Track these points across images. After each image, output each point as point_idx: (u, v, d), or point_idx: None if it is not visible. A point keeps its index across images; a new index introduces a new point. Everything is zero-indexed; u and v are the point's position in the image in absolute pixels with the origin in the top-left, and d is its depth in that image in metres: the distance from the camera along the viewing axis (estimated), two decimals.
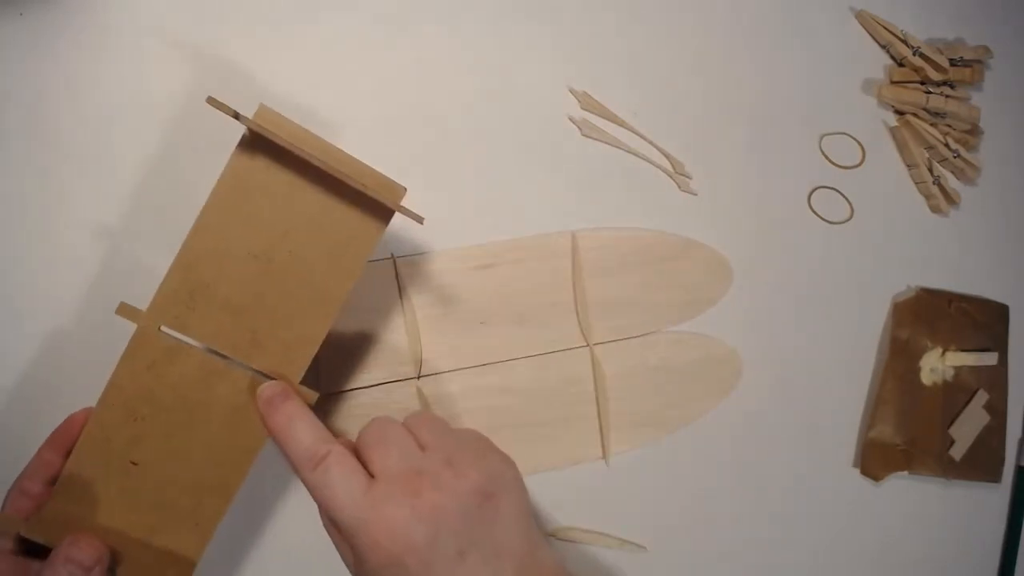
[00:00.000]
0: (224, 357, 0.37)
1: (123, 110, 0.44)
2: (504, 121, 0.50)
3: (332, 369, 0.45)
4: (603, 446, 0.49)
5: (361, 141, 0.41)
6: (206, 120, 0.38)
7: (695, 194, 0.53)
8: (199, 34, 0.45)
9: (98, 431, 0.36)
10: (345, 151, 0.37)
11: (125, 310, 0.35)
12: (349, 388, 0.45)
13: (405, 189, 0.37)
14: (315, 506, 0.35)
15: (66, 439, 0.36)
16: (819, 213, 0.56)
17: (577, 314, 0.49)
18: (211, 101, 0.33)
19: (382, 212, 0.37)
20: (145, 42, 0.44)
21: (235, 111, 0.33)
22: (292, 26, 0.47)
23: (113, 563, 0.34)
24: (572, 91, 0.51)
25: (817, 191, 0.57)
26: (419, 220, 0.36)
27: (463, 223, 0.48)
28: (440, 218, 0.44)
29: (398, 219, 0.36)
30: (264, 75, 0.46)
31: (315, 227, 0.37)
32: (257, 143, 0.35)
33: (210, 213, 0.35)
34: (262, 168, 0.35)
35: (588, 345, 0.50)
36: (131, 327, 0.35)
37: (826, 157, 0.57)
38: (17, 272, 0.42)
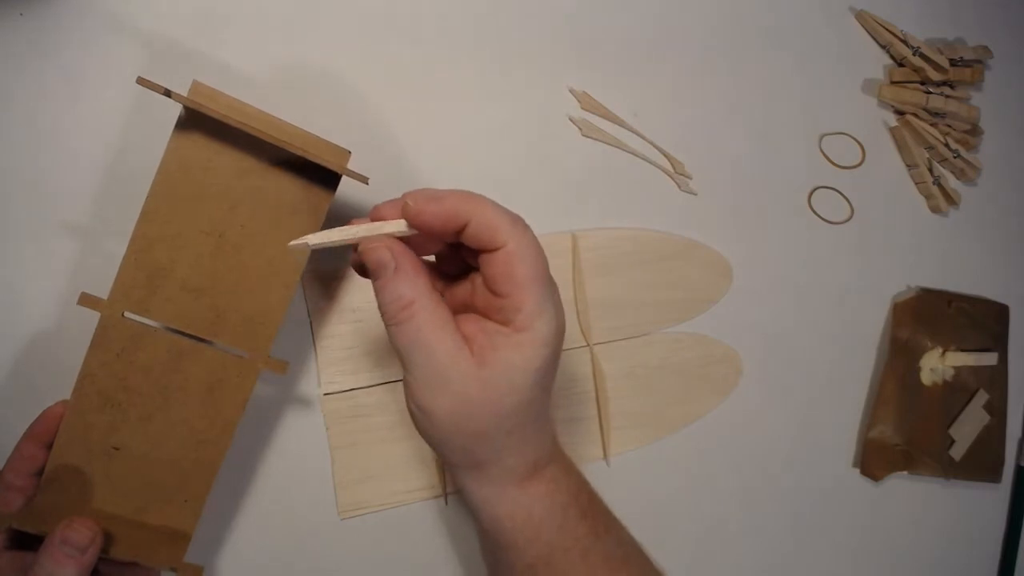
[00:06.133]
0: (191, 337, 0.37)
1: (124, 110, 0.44)
2: (504, 121, 0.50)
3: (332, 369, 0.45)
4: (604, 446, 0.49)
5: (359, 142, 0.41)
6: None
7: (695, 194, 0.53)
8: (198, 33, 0.45)
9: (77, 420, 0.36)
10: (286, 120, 0.36)
11: (87, 300, 0.35)
12: (349, 388, 0.45)
13: (349, 152, 0.37)
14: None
15: (44, 432, 0.36)
16: (819, 213, 0.56)
17: (577, 314, 0.49)
18: (141, 81, 0.33)
19: (329, 177, 0.37)
20: (146, 41, 0.44)
21: (166, 88, 0.33)
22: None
23: (107, 544, 0.35)
24: (572, 91, 0.51)
25: (817, 191, 0.57)
26: (364, 180, 0.36)
27: None
28: None
29: None
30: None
31: (262, 198, 0.36)
32: (194, 120, 0.35)
33: (156, 195, 0.35)
34: (202, 144, 0.35)
35: (588, 345, 0.50)
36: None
37: (826, 157, 0.57)
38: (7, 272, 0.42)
